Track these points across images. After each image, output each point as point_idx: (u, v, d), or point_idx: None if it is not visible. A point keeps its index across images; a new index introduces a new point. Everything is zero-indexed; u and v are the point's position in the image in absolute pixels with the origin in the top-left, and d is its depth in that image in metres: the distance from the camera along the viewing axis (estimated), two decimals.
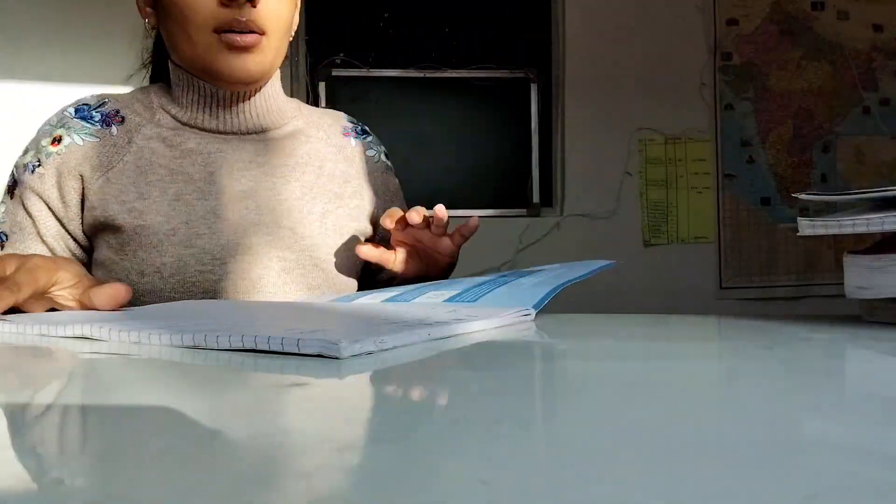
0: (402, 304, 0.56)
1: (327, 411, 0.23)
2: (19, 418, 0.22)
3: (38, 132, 0.78)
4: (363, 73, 2.32)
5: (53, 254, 0.74)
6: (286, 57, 0.82)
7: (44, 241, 0.74)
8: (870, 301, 0.50)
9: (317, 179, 0.82)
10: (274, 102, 0.82)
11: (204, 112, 0.78)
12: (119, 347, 0.36)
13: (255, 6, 0.71)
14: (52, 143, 0.76)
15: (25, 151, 0.77)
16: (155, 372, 0.31)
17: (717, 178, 2.46)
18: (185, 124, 0.78)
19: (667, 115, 2.43)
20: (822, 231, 0.50)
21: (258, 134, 0.81)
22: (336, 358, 0.31)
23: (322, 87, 2.28)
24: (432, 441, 0.18)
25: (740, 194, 2.46)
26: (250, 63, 0.73)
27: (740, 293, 2.45)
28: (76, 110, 0.78)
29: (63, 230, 0.75)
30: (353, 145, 0.89)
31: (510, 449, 0.17)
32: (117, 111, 0.78)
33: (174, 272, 0.72)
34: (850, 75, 2.50)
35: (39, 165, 0.75)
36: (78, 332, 0.40)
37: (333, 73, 2.30)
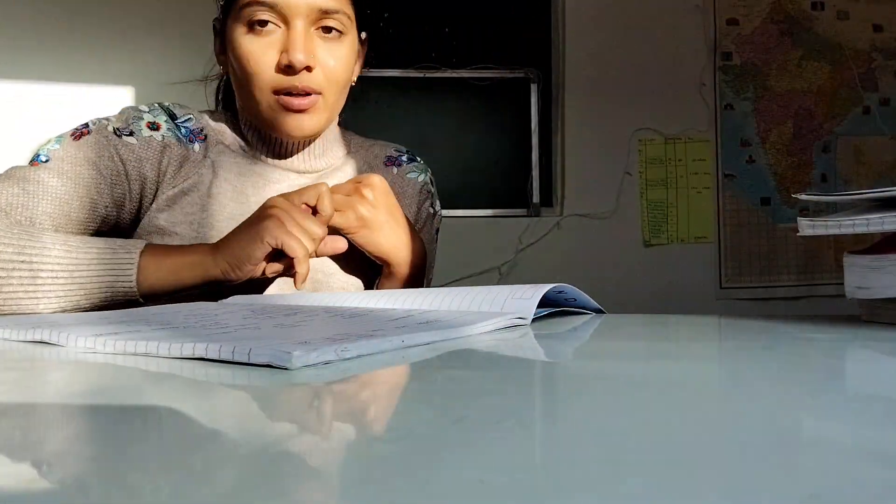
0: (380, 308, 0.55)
1: (326, 412, 0.23)
2: (16, 418, 0.22)
3: (128, 109, 0.79)
4: (363, 73, 2.32)
5: (63, 207, 0.72)
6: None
7: (72, 192, 0.71)
8: (870, 301, 0.50)
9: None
10: (328, 145, 0.86)
11: (265, 150, 0.82)
12: (76, 353, 0.36)
13: (311, 72, 0.74)
14: (148, 125, 0.77)
15: (106, 119, 0.77)
16: (147, 376, 0.31)
17: (717, 178, 2.46)
18: (251, 156, 0.82)
19: (667, 115, 2.43)
20: (822, 231, 0.50)
21: (311, 174, 0.85)
22: (286, 369, 0.29)
23: None
24: (432, 441, 0.18)
25: (740, 194, 2.46)
26: (306, 123, 0.77)
27: (740, 293, 2.45)
28: (170, 113, 0.80)
29: (96, 200, 0.73)
30: (395, 173, 0.91)
31: (510, 449, 0.17)
32: (202, 129, 0.81)
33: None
34: (850, 75, 2.49)
35: (131, 135, 0.76)
36: (37, 337, 0.40)
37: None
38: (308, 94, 0.75)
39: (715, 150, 2.45)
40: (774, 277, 2.46)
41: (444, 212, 2.32)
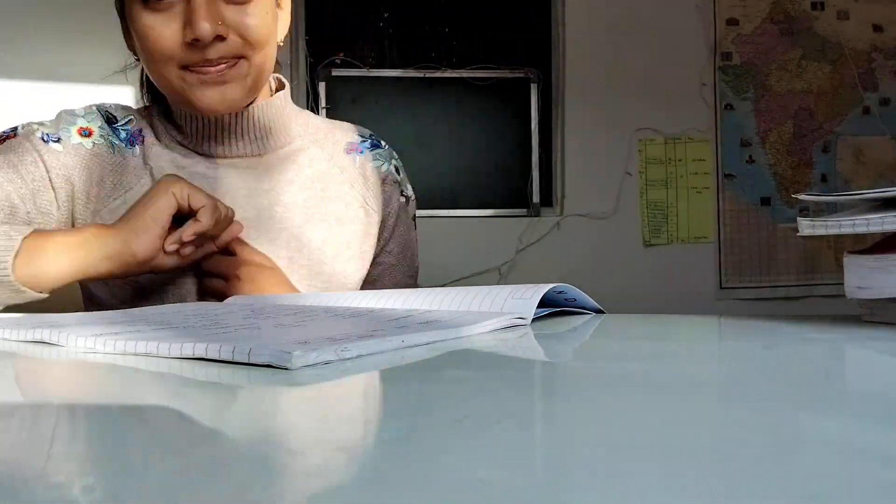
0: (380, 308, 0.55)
1: (327, 412, 0.23)
2: (17, 418, 0.22)
3: (62, 112, 0.74)
4: (363, 73, 2.32)
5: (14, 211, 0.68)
6: (277, 63, 0.78)
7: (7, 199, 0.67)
8: (870, 301, 0.50)
9: (318, 204, 0.79)
10: (276, 122, 0.77)
11: (204, 138, 0.75)
12: (76, 353, 0.36)
13: (224, 41, 0.66)
14: (79, 130, 0.73)
15: (39, 123, 0.73)
16: (147, 376, 0.31)
17: (717, 178, 2.46)
18: (190, 149, 0.76)
19: (667, 115, 2.42)
20: (822, 231, 0.49)
21: (261, 157, 0.77)
22: (286, 369, 0.29)
23: (322, 87, 2.28)
24: (432, 441, 0.18)
25: (740, 194, 2.46)
26: (227, 93, 0.69)
27: (740, 293, 2.45)
28: (107, 118, 0.75)
29: (16, 205, 0.68)
30: (357, 163, 0.84)
31: (510, 449, 0.17)
32: (140, 130, 0.75)
33: (178, 299, 0.72)
34: (850, 75, 2.49)
35: (58, 142, 0.71)
36: (37, 337, 0.40)
37: (333, 74, 2.30)
38: (224, 60, 0.67)
39: (715, 150, 2.45)
40: (774, 277, 2.46)
41: (444, 212, 2.33)
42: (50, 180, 0.70)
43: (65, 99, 2.16)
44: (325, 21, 2.31)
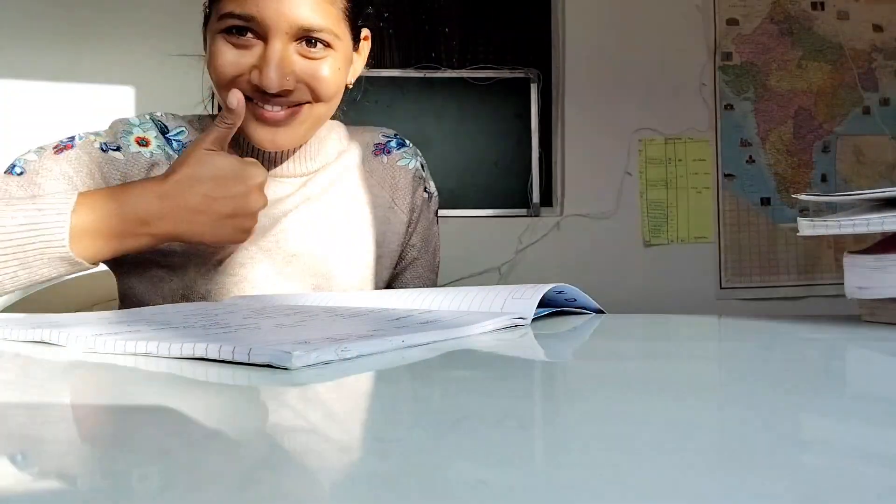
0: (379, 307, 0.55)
1: (326, 412, 0.23)
2: (17, 418, 0.22)
3: (116, 122, 0.74)
4: (363, 73, 2.32)
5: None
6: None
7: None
8: (870, 301, 0.50)
9: (343, 216, 0.80)
10: (322, 145, 0.80)
11: (257, 155, 0.75)
12: (76, 353, 0.36)
13: (289, 95, 0.67)
14: (137, 140, 0.73)
15: (96, 133, 0.73)
16: (147, 376, 0.31)
17: (717, 178, 2.46)
18: None
19: (667, 115, 2.42)
20: (822, 231, 0.50)
21: (304, 176, 0.79)
22: (286, 369, 0.29)
23: None
24: (432, 441, 0.18)
25: (740, 194, 2.46)
26: (280, 136, 0.70)
27: (740, 293, 2.45)
28: (161, 128, 0.75)
29: None
30: (385, 162, 0.86)
31: (510, 449, 0.17)
32: (192, 141, 0.75)
33: (216, 298, 0.73)
34: (850, 75, 2.49)
35: (118, 150, 0.71)
36: (37, 337, 0.40)
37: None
38: (284, 98, 0.68)
39: (715, 150, 2.45)
40: (774, 277, 2.46)
41: (444, 212, 2.32)
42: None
43: (66, 98, 2.16)
44: None
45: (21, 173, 0.68)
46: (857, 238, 0.52)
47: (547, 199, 2.43)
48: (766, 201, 2.47)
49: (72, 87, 2.14)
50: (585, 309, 0.58)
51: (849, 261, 0.50)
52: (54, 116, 2.07)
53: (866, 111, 2.50)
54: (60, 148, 0.70)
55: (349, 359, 0.31)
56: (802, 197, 0.53)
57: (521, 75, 2.41)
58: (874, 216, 0.46)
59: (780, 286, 2.46)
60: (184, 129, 0.77)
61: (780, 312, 2.42)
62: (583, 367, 0.33)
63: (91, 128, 0.76)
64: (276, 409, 0.23)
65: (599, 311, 0.58)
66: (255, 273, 0.75)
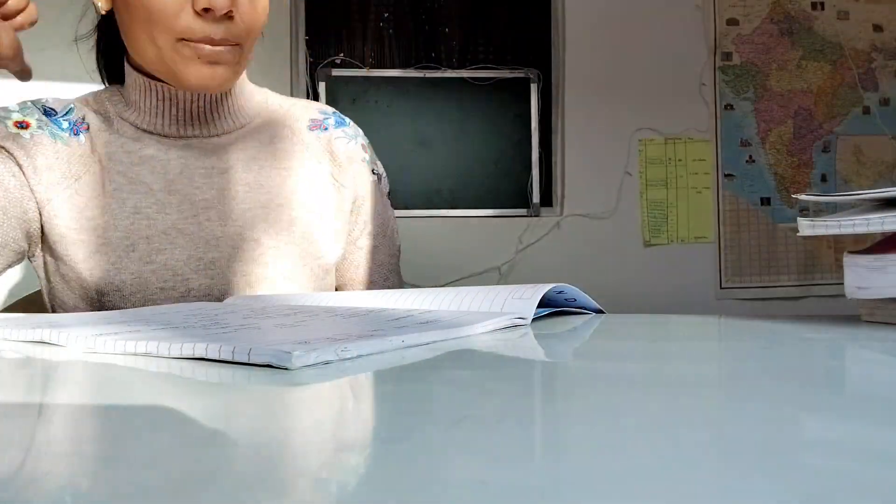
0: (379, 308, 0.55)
1: (326, 412, 0.23)
2: (17, 418, 0.22)
3: None
4: (363, 73, 2.32)
5: None
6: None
7: None
8: (870, 301, 0.50)
9: (283, 183, 0.76)
10: (237, 102, 0.75)
11: (163, 117, 0.72)
12: (76, 353, 0.36)
13: (231, 20, 0.65)
14: (15, 124, 0.69)
15: None
16: (147, 376, 0.31)
17: (717, 178, 2.46)
18: (143, 130, 0.73)
19: (667, 115, 2.43)
20: (822, 231, 0.50)
21: (218, 137, 0.75)
22: (286, 369, 0.29)
23: (322, 87, 2.28)
24: (432, 441, 0.18)
25: (740, 194, 2.46)
26: (219, 74, 0.68)
27: (740, 293, 2.45)
28: (45, 110, 0.71)
29: None
30: (322, 139, 0.81)
31: (510, 449, 0.17)
32: (83, 118, 0.72)
33: (135, 290, 0.68)
34: (850, 75, 2.49)
35: None
36: (37, 337, 0.40)
37: (333, 74, 2.30)
38: (226, 44, 0.66)
39: (715, 150, 2.45)
40: (774, 277, 2.46)
41: (444, 212, 2.33)
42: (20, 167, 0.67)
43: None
44: (325, 21, 2.31)
45: None
46: (857, 238, 0.52)
47: (547, 199, 2.43)
48: (766, 201, 2.47)
49: (72, 87, 2.14)
50: (585, 309, 0.58)
51: (849, 261, 0.50)
52: None
53: (866, 111, 2.50)
54: None
55: (349, 359, 0.31)
56: (802, 197, 0.53)
57: (521, 75, 2.41)
58: (874, 216, 0.46)
59: (780, 286, 2.46)
60: (72, 106, 0.73)
61: (780, 312, 2.42)
62: (583, 367, 0.33)
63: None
64: (275, 409, 0.23)
65: (599, 312, 0.58)
66: (208, 255, 0.71)
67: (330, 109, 0.85)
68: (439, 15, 2.39)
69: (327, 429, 0.20)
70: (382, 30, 2.37)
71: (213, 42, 0.65)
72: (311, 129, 0.81)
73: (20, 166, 0.68)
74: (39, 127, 0.70)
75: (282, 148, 0.78)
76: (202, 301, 0.70)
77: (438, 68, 2.37)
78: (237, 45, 0.67)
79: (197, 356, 0.32)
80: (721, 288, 2.45)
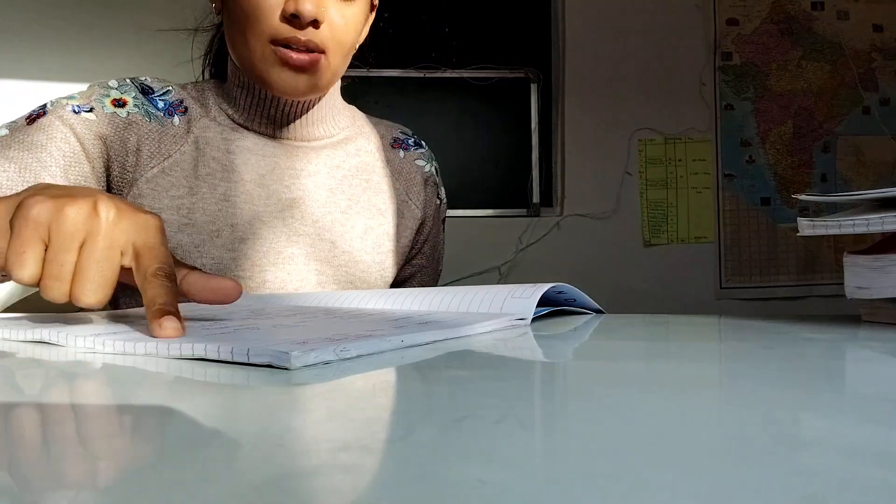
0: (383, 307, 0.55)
1: (326, 412, 0.23)
2: (16, 419, 0.22)
3: (94, 85, 0.72)
4: (363, 73, 2.32)
5: None
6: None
7: (15, 178, 0.63)
8: (870, 301, 0.50)
9: (363, 193, 0.81)
10: (329, 112, 0.80)
11: (259, 116, 0.76)
12: (76, 353, 0.36)
13: (317, 28, 0.68)
14: (112, 102, 0.71)
15: (69, 97, 0.71)
16: (147, 376, 0.31)
17: (717, 178, 2.46)
18: (240, 125, 0.76)
19: (667, 115, 2.43)
20: (822, 231, 0.50)
21: (310, 142, 0.79)
22: (286, 369, 0.29)
23: None
24: (432, 441, 0.18)
25: (740, 194, 2.46)
26: (302, 82, 0.70)
27: (740, 293, 2.45)
28: (142, 88, 0.74)
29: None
30: (402, 157, 0.87)
31: (510, 449, 0.17)
32: (181, 101, 0.75)
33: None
34: (850, 75, 2.49)
35: (90, 111, 0.69)
36: (37, 337, 0.40)
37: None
38: (310, 50, 0.69)
39: (715, 150, 2.45)
40: (774, 277, 2.46)
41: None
42: (85, 152, 0.68)
43: None
44: None
45: None
46: (857, 238, 0.52)
47: (547, 199, 2.43)
48: (766, 201, 2.47)
49: (72, 87, 2.14)
50: (586, 309, 0.58)
51: (849, 261, 0.50)
52: None
53: (866, 111, 2.50)
54: (32, 118, 0.69)
55: (349, 359, 0.31)
56: (802, 197, 0.53)
57: (521, 75, 2.41)
58: (874, 216, 0.46)
59: (780, 286, 2.46)
60: (170, 88, 0.76)
61: (780, 312, 2.42)
62: (583, 367, 0.33)
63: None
64: (275, 409, 0.23)
65: (599, 312, 0.58)
66: (288, 251, 0.73)
67: (410, 131, 0.91)
68: (439, 15, 2.39)
69: (327, 429, 0.20)
70: (382, 30, 2.37)
71: (298, 44, 0.68)
72: (393, 146, 0.87)
73: (84, 147, 0.68)
74: (136, 105, 0.72)
75: (365, 161, 0.83)
76: (273, 294, 0.71)
77: (438, 68, 2.37)
78: (322, 52, 0.70)
79: (197, 356, 0.32)
80: (721, 288, 2.45)
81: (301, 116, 0.77)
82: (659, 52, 2.42)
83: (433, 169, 0.90)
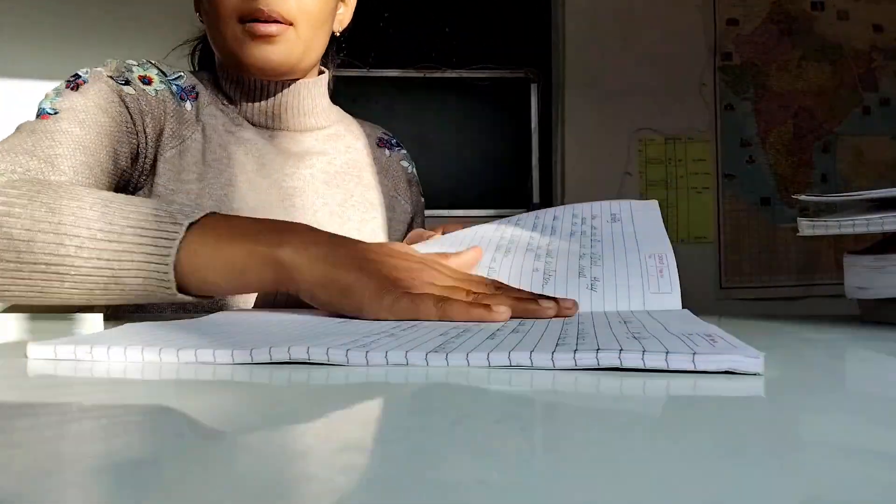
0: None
1: (326, 412, 0.23)
2: (16, 419, 0.22)
3: (113, 62, 0.72)
4: (363, 73, 2.32)
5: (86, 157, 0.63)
6: (331, 57, 0.85)
7: (97, 141, 0.64)
8: (870, 301, 0.50)
9: (356, 188, 0.83)
10: (317, 102, 0.81)
11: (250, 108, 0.77)
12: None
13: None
14: (139, 78, 0.72)
15: (98, 69, 0.71)
16: (147, 375, 0.31)
17: (717, 178, 2.46)
18: (237, 117, 0.78)
19: (667, 115, 2.43)
20: (822, 231, 0.50)
21: (303, 133, 0.80)
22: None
23: None
24: (432, 441, 0.18)
25: (740, 194, 2.46)
26: (273, 53, 0.71)
27: (740, 293, 2.45)
28: (159, 70, 0.75)
29: (118, 150, 0.67)
30: (388, 156, 0.90)
31: (510, 449, 0.17)
32: (193, 86, 0.76)
33: None
34: (850, 75, 2.49)
35: (127, 84, 0.70)
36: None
37: (333, 74, 2.30)
38: (277, 22, 0.70)
39: (715, 150, 2.45)
40: (774, 277, 2.46)
41: (445, 212, 2.33)
42: (133, 123, 0.69)
43: None
44: None
45: (56, 113, 0.64)
46: (857, 238, 0.52)
47: (547, 199, 2.43)
48: (766, 201, 2.47)
49: None
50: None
51: (849, 261, 0.50)
52: None
53: (866, 111, 2.50)
54: (74, 85, 0.68)
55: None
56: (802, 197, 0.53)
57: (521, 75, 2.41)
58: (874, 216, 0.46)
59: (780, 286, 2.46)
60: (182, 74, 0.77)
61: (780, 312, 2.42)
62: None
63: None
64: (275, 409, 0.23)
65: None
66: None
67: (389, 133, 0.94)
68: (439, 15, 2.39)
69: (327, 429, 0.20)
70: (382, 30, 2.37)
71: (262, 16, 0.69)
72: (379, 145, 0.90)
73: (132, 118, 0.69)
74: (162, 82, 0.74)
75: (355, 158, 0.85)
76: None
77: (438, 68, 2.37)
78: (289, 24, 0.71)
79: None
80: (721, 288, 2.45)
81: (290, 107, 0.78)
82: (659, 52, 2.42)
83: (414, 170, 0.93)
